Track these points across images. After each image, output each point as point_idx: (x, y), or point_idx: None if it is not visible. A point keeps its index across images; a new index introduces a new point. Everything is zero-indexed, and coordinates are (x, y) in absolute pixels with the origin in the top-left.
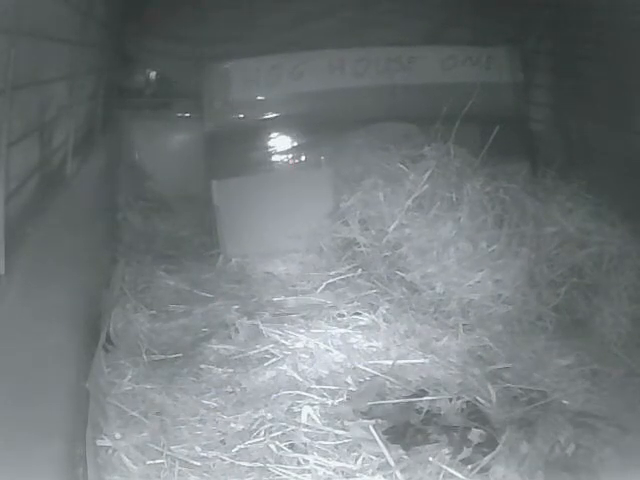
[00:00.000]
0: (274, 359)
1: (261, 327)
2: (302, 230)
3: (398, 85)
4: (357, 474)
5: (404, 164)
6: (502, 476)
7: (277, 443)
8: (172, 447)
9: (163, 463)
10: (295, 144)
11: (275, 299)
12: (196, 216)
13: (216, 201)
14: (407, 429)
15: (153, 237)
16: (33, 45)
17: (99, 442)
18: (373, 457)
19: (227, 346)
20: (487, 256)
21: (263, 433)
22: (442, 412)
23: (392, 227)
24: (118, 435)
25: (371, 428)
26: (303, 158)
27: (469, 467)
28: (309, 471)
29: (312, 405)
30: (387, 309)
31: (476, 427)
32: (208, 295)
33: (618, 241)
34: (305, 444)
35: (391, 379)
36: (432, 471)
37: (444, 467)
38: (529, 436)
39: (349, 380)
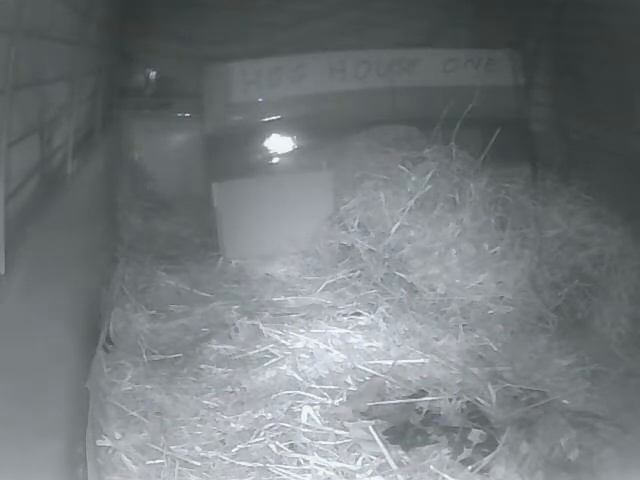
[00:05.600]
0: (274, 359)
1: (261, 327)
2: (302, 233)
3: (399, 87)
4: (357, 474)
5: (405, 166)
6: (502, 476)
7: (277, 443)
8: (172, 447)
9: (163, 463)
10: (296, 147)
11: (275, 299)
12: (196, 216)
13: (216, 203)
14: (407, 429)
15: (153, 237)
16: (33, 45)
17: (99, 442)
18: (373, 457)
19: (227, 346)
20: (489, 258)
21: (263, 433)
22: (442, 412)
23: (394, 228)
24: (118, 435)
25: (371, 428)
26: (304, 161)
27: (469, 468)
28: (309, 471)
29: (312, 405)
30: (387, 309)
31: (476, 427)
32: (208, 295)
33: (618, 242)
34: (305, 444)
35: (391, 379)
36: (432, 471)
37: (444, 468)
38: (529, 436)
39: (349, 380)
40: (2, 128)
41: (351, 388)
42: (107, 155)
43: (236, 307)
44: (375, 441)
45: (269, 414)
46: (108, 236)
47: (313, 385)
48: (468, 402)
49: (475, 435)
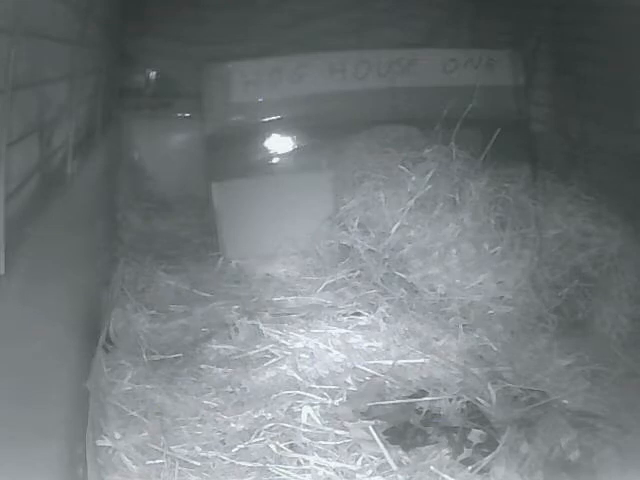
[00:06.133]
0: (274, 359)
1: (261, 327)
2: (302, 233)
3: (399, 87)
4: (357, 474)
5: (405, 166)
6: (502, 476)
7: (277, 443)
8: (172, 447)
9: (163, 463)
10: (295, 147)
11: (275, 299)
12: (196, 216)
13: (216, 203)
14: (407, 430)
15: (153, 237)
16: (33, 45)
17: (99, 442)
18: (373, 457)
19: (227, 346)
20: (489, 258)
21: (263, 433)
22: (442, 412)
23: (394, 228)
24: (118, 435)
25: (371, 428)
26: (304, 161)
27: (469, 468)
28: (309, 471)
29: (312, 405)
30: (387, 309)
31: (476, 427)
32: (208, 295)
33: (618, 242)
34: (305, 444)
35: (391, 379)
36: (432, 472)
37: (444, 468)
38: (529, 436)
39: (349, 380)
40: (2, 128)
41: (351, 388)
42: (107, 155)
43: (236, 307)
44: (375, 441)
45: (269, 414)
46: (108, 236)
47: (313, 385)
48: (468, 402)
49: (475, 435)
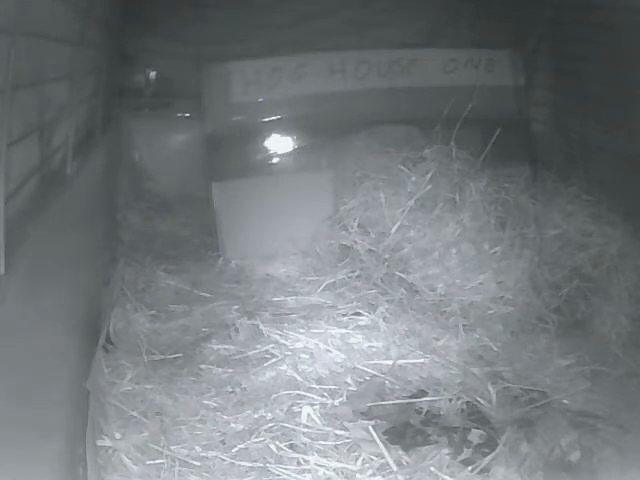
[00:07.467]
0: (274, 359)
1: (261, 327)
2: (302, 233)
3: (399, 88)
4: (357, 474)
5: (405, 166)
6: (502, 477)
7: (277, 443)
8: (172, 447)
9: (163, 463)
10: (295, 147)
11: (275, 299)
12: (196, 216)
13: (216, 203)
14: (407, 430)
15: (153, 237)
16: (33, 45)
17: (99, 442)
18: (373, 457)
19: (227, 346)
20: (489, 258)
21: (263, 433)
22: (442, 412)
23: (394, 228)
24: (118, 435)
25: (371, 428)
26: (304, 161)
27: (469, 468)
28: (309, 471)
29: (312, 405)
30: (387, 309)
31: (476, 427)
32: (208, 295)
33: (618, 242)
34: (305, 444)
35: (391, 379)
36: (432, 472)
37: (444, 468)
38: (529, 436)
39: (349, 380)
40: (2, 128)
41: (351, 388)
42: (107, 155)
43: (236, 307)
44: (375, 441)
45: (269, 414)
46: (108, 236)
47: (313, 385)
48: (468, 402)
49: (475, 435)
